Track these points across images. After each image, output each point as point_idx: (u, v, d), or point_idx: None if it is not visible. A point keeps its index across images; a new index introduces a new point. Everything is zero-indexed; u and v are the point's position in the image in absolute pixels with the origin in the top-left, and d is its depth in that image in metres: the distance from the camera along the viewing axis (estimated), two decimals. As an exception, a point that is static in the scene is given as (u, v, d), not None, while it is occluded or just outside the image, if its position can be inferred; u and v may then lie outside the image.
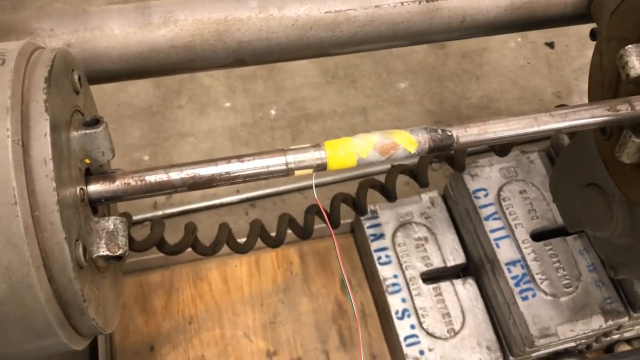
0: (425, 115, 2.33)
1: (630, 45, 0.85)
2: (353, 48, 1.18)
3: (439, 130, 0.75)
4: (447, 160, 1.39)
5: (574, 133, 1.30)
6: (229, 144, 2.23)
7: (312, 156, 0.74)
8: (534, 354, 1.59)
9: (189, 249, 1.36)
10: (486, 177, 1.70)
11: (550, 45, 2.53)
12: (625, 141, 0.88)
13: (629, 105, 0.81)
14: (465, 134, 0.76)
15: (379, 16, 1.14)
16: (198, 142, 2.23)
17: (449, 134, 0.75)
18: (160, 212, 2.04)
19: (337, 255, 1.68)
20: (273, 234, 1.46)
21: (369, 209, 1.76)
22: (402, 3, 1.14)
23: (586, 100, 1.09)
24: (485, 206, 1.66)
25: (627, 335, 1.67)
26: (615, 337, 1.66)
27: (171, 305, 1.81)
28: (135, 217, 1.99)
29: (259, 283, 1.85)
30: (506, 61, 2.48)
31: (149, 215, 2.02)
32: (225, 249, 1.41)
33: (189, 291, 1.83)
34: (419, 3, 1.14)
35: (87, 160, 0.70)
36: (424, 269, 1.68)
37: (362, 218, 1.76)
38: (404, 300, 1.65)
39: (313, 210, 1.49)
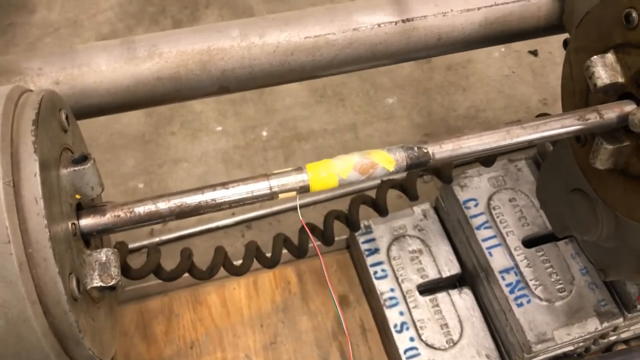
0: (414, 129, 2.37)
1: (595, 56, 0.88)
2: (334, 70, 1.22)
3: (415, 148, 0.78)
4: (435, 173, 1.42)
5: (556, 140, 1.34)
6: (222, 168, 2.26)
7: (294, 179, 0.77)
8: (533, 360, 1.60)
9: (186, 274, 1.39)
10: (475, 187, 1.73)
11: (534, 53, 2.57)
12: (597, 148, 0.91)
13: (597, 114, 0.84)
14: (441, 150, 0.78)
15: (357, 38, 1.17)
16: (192, 167, 2.26)
17: (425, 151, 0.78)
18: (157, 239, 2.06)
19: (324, 275, 1.71)
20: (269, 255, 1.49)
21: (362, 225, 1.78)
22: (378, 25, 1.17)
23: (571, 106, 1.12)
24: (476, 216, 1.69)
25: (624, 336, 1.68)
26: (613, 338, 1.67)
27: (172, 330, 1.82)
28: (132, 245, 2.01)
29: (257, 304, 1.87)
30: (491, 71, 2.53)
31: (145, 242, 2.04)
32: (222, 271, 1.43)
33: (188, 316, 1.84)
34: (395, 24, 1.18)
35: (78, 196, 0.73)
36: (420, 280, 1.70)
37: (356, 234, 1.79)
38: (401, 314, 1.67)
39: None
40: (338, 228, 1.50)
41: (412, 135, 2.34)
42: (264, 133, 2.35)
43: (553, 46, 2.56)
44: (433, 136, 0.79)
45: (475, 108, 2.42)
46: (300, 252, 1.49)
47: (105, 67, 1.10)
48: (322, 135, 2.35)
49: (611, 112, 0.85)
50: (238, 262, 1.45)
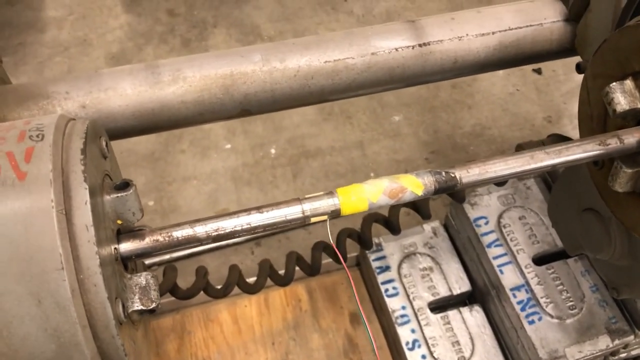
0: (420, 146, 2.40)
1: (614, 83, 0.91)
2: (352, 93, 1.24)
3: (443, 173, 0.80)
4: (449, 193, 1.44)
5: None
6: (231, 185, 2.28)
7: (326, 203, 0.79)
8: (544, 377, 1.61)
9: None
10: (485, 205, 1.75)
11: (538, 71, 2.61)
12: (616, 172, 0.93)
13: (618, 139, 0.87)
14: (468, 174, 0.81)
15: (375, 62, 1.20)
16: (201, 184, 2.28)
17: (453, 175, 0.80)
18: (167, 256, 2.07)
19: (352, 289, 1.72)
20: (281, 272, 1.50)
21: (373, 242, 1.80)
22: (396, 49, 1.20)
23: (576, 123, 1.14)
24: (486, 234, 1.71)
25: (634, 353, 1.70)
26: (623, 355, 1.69)
27: (184, 348, 1.83)
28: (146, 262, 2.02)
29: (269, 321, 1.88)
30: (496, 89, 2.56)
31: (156, 260, 2.05)
32: (235, 289, 1.45)
33: (200, 333, 1.85)
34: (412, 48, 1.21)
35: (119, 221, 0.75)
36: (431, 298, 1.72)
37: (367, 251, 1.80)
38: (413, 331, 1.68)
39: (320, 247, 1.53)
40: (348, 245, 1.52)
41: (419, 153, 2.37)
42: (273, 150, 2.38)
43: (557, 64, 2.60)
44: (458, 162, 0.81)
45: (480, 126, 2.45)
46: (313, 270, 1.51)
47: (131, 91, 1.12)
48: (329, 152, 2.38)
49: (631, 137, 0.88)
50: (250, 280, 1.46)
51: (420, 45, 1.21)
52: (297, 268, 1.50)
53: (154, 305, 0.72)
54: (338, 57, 1.19)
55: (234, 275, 1.49)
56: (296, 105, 1.23)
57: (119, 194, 0.74)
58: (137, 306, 0.72)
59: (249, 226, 0.77)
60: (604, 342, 1.55)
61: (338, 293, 1.93)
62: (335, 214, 0.80)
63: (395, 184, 0.80)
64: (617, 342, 1.55)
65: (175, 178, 2.29)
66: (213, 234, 0.76)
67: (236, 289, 1.45)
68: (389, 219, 1.53)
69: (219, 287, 1.47)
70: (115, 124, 1.13)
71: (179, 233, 0.75)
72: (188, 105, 1.14)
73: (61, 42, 2.66)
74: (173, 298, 1.37)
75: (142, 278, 0.73)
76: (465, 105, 2.51)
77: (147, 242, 0.75)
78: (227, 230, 0.76)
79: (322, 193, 0.80)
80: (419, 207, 1.49)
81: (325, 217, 0.80)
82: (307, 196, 0.79)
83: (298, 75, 1.17)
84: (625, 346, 1.62)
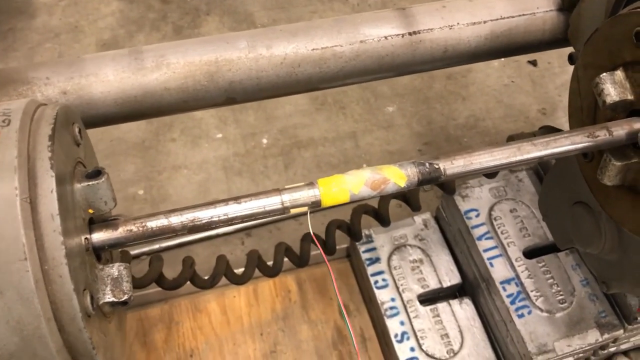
0: (414, 137, 2.37)
1: (604, 74, 0.89)
2: (340, 82, 1.22)
3: (427, 164, 0.78)
4: (439, 184, 1.42)
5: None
6: (222, 175, 2.26)
7: (306, 194, 0.77)
8: (533, 371, 1.61)
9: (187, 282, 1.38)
10: (477, 198, 1.73)
11: (533, 63, 2.59)
12: (605, 164, 0.91)
13: (607, 131, 0.85)
14: (452, 165, 0.79)
15: (364, 51, 1.18)
16: (192, 174, 2.26)
17: (436, 166, 0.78)
18: (157, 246, 2.05)
19: (333, 284, 1.70)
20: (270, 263, 1.49)
21: (363, 234, 1.78)
22: (385, 37, 1.18)
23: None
24: (477, 226, 1.69)
25: (623, 347, 1.69)
26: (612, 349, 1.68)
27: (171, 338, 1.81)
28: (133, 252, 2.00)
29: (258, 312, 1.87)
30: (490, 81, 2.54)
31: (145, 249, 2.03)
32: (223, 279, 1.43)
33: (188, 324, 1.84)
34: (402, 36, 1.18)
35: (91, 210, 0.73)
36: (421, 290, 1.71)
37: (357, 243, 1.79)
38: (402, 323, 1.67)
39: (309, 239, 1.51)
40: (338, 236, 1.51)
41: (412, 144, 2.35)
42: (264, 140, 2.35)
43: (552, 56, 2.58)
44: (443, 152, 0.79)
45: (474, 117, 2.43)
46: (302, 261, 1.49)
47: (113, 77, 1.10)
48: (322, 143, 2.36)
49: (620, 130, 0.86)
50: (239, 271, 1.45)
51: (410, 34, 1.19)
52: (286, 259, 1.49)
53: (126, 297, 0.70)
54: (326, 45, 1.16)
55: (222, 265, 1.47)
56: (283, 93, 1.20)
57: (90, 182, 0.72)
58: (109, 298, 0.70)
59: (226, 217, 0.75)
60: (593, 336, 1.54)
61: (328, 284, 1.92)
62: (315, 205, 0.78)
63: (378, 175, 0.78)
64: (606, 336, 1.53)
65: (165, 167, 2.27)
66: (189, 224, 0.74)
67: (225, 281, 1.44)
68: (378, 211, 1.52)
69: (206, 277, 1.45)
70: (96, 111, 1.11)
71: (154, 223, 0.73)
72: (171, 92, 1.12)
73: (52, 28, 2.62)
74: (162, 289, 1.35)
75: (115, 269, 0.71)
76: (459, 96, 2.49)
77: (120, 232, 0.73)
78: (203, 221, 0.74)
79: (302, 184, 0.78)
80: (409, 199, 1.48)
81: (305, 209, 0.78)
82: (286, 187, 0.77)
83: (285, 62, 1.15)
84: (615, 340, 1.61)
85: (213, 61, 1.12)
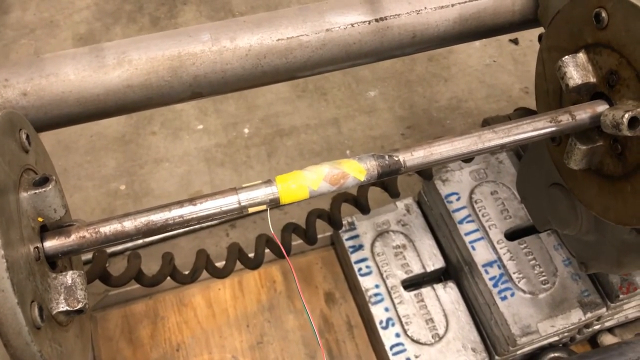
0: (396, 122, 2.36)
1: (567, 56, 0.87)
2: (309, 72, 1.20)
3: (386, 157, 0.77)
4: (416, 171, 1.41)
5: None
6: (204, 166, 2.24)
7: (263, 192, 0.76)
8: (518, 352, 1.61)
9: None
10: (457, 181, 1.72)
11: (515, 41, 2.56)
12: (571, 148, 0.90)
13: (570, 116, 0.83)
14: (412, 157, 0.77)
15: (330, 39, 1.16)
16: (174, 167, 2.24)
17: (396, 159, 0.77)
18: (140, 241, 2.04)
19: (295, 281, 1.70)
20: (252, 255, 1.48)
21: (346, 221, 1.78)
22: (352, 25, 1.16)
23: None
24: (458, 210, 1.68)
25: (608, 324, 1.69)
26: (597, 327, 1.68)
27: (157, 334, 1.81)
28: (115, 249, 1.99)
29: (243, 304, 1.86)
30: (472, 61, 2.52)
31: (129, 245, 2.02)
32: (207, 272, 1.42)
33: (174, 318, 1.83)
34: (369, 23, 1.16)
35: (40, 219, 0.71)
36: (405, 276, 1.70)
37: (340, 231, 1.78)
38: (387, 310, 1.67)
39: (290, 229, 1.50)
40: (323, 224, 1.50)
41: (395, 128, 2.34)
42: (246, 130, 2.34)
43: (534, 34, 2.53)
44: (404, 145, 0.77)
45: (457, 99, 2.41)
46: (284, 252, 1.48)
47: (74, 77, 1.07)
48: (304, 130, 2.34)
49: (583, 113, 0.84)
50: (221, 264, 1.44)
51: (376, 20, 1.17)
52: (268, 250, 1.48)
53: (80, 305, 0.69)
54: (291, 35, 1.14)
55: (202, 260, 1.46)
56: (250, 86, 1.18)
57: (37, 190, 0.70)
58: (63, 307, 0.69)
59: (181, 219, 0.73)
60: (576, 316, 1.54)
61: (313, 273, 1.91)
62: (274, 203, 0.77)
63: (337, 169, 0.77)
64: (589, 315, 1.54)
65: (146, 161, 2.25)
66: (143, 228, 0.72)
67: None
68: (358, 199, 1.51)
69: (187, 272, 1.44)
70: (59, 111, 1.08)
71: (107, 229, 0.71)
72: (135, 89, 1.10)
73: (26, 23, 2.58)
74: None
75: (68, 277, 0.70)
76: (441, 78, 2.47)
77: (72, 239, 0.71)
78: (158, 225, 0.73)
79: (259, 182, 0.77)
80: (388, 186, 1.47)
81: (264, 207, 0.76)
82: (243, 185, 0.76)
83: (249, 54, 1.13)
84: (599, 318, 1.61)
85: (176, 56, 1.10)
